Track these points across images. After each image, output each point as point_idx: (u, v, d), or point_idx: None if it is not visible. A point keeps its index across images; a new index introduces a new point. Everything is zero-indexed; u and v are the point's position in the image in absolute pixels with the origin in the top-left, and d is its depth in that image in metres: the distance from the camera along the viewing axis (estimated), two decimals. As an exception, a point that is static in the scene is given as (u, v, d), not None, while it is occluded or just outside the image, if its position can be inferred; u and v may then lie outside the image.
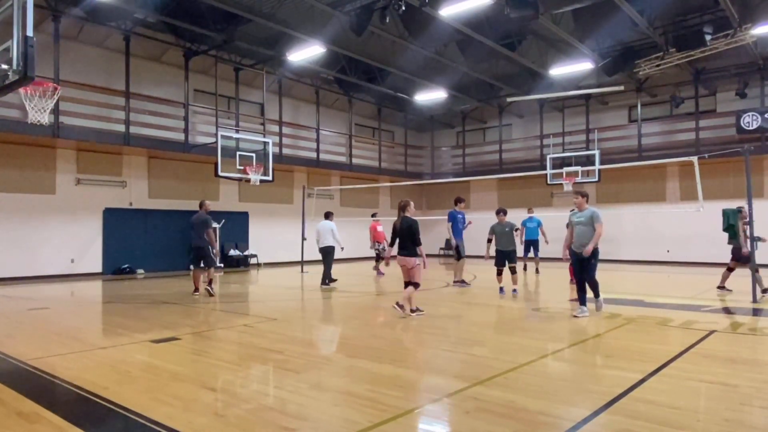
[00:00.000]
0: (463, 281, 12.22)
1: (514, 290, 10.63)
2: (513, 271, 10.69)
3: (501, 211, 10.84)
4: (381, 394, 4.30)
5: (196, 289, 10.67)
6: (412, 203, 8.20)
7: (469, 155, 24.21)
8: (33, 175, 14.44)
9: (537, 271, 15.33)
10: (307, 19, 14.36)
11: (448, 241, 12.81)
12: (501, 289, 10.65)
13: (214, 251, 10.93)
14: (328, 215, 12.74)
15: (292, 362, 5.40)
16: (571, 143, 21.14)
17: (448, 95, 19.93)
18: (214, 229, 11.61)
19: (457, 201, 12.26)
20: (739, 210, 10.30)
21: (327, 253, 12.34)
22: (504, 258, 10.58)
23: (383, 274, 14.86)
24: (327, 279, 12.28)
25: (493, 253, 10.77)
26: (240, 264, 18.36)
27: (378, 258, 15.18)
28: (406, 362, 5.41)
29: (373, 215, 15.70)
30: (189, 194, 17.38)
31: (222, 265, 17.80)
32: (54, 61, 13.23)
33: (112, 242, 15.84)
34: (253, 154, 15.90)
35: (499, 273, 10.65)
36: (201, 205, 10.89)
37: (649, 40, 15.41)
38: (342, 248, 12.62)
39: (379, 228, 15.13)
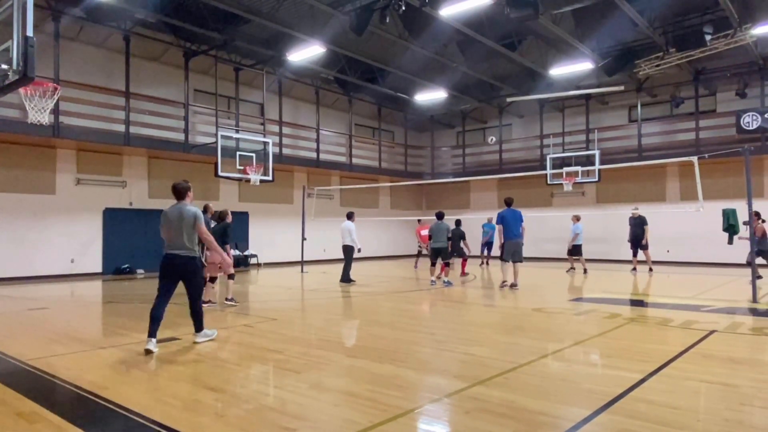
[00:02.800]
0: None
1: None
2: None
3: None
4: (381, 394, 4.30)
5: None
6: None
7: (469, 155, 24.21)
8: (33, 175, 14.44)
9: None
10: (307, 19, 14.36)
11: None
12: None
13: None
14: (349, 216, 13.29)
15: (292, 362, 5.40)
16: (571, 143, 21.15)
17: (448, 95, 19.93)
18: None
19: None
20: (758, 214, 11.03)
21: (344, 251, 13.08)
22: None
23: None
24: (345, 277, 12.95)
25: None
26: (240, 264, 18.35)
27: (419, 255, 17.31)
28: (406, 362, 5.40)
29: (419, 220, 17.94)
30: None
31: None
32: (54, 61, 13.24)
33: (112, 242, 15.83)
34: (253, 154, 15.90)
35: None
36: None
37: (649, 40, 15.40)
38: (359, 249, 13.18)
39: (423, 232, 16.10)
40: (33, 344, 6.36)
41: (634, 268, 15.28)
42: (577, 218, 15.85)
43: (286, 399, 4.24)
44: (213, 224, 11.19)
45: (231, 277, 9.35)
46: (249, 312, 9.01)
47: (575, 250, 15.76)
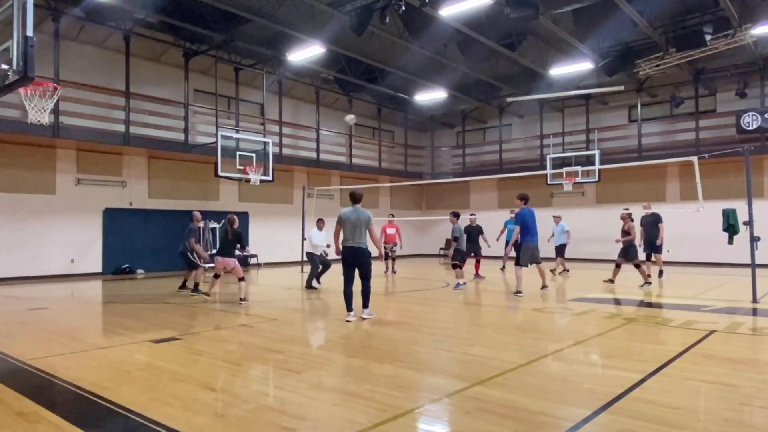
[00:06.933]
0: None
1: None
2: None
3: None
4: (381, 394, 4.30)
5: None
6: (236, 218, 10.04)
7: (469, 155, 24.21)
8: (33, 175, 14.44)
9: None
10: (307, 19, 14.36)
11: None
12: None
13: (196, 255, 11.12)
14: (317, 222, 12.71)
15: (292, 362, 5.40)
16: (571, 143, 21.15)
17: (448, 95, 19.93)
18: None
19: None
20: None
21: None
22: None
23: (395, 272, 15.80)
24: (307, 282, 12.21)
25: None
26: (240, 264, 18.32)
27: (386, 258, 15.70)
28: (406, 362, 5.40)
29: (391, 215, 16.53)
30: (189, 194, 17.39)
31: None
32: (54, 61, 13.24)
33: (112, 242, 15.83)
34: (253, 154, 15.90)
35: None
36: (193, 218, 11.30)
37: (649, 40, 15.40)
38: (322, 252, 12.26)
39: (389, 231, 15.66)
40: (33, 344, 6.36)
41: (649, 275, 12.37)
42: (559, 218, 15.38)
43: (286, 399, 4.24)
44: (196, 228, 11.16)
45: (242, 279, 9.97)
46: (249, 312, 9.01)
47: (561, 250, 15.04)
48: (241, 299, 9.74)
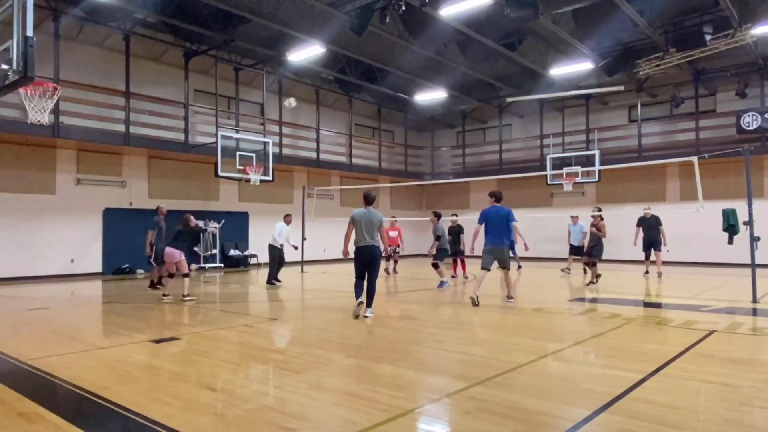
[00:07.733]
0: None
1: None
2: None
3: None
4: (381, 394, 4.30)
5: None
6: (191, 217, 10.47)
7: (469, 155, 24.21)
8: (33, 175, 14.44)
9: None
10: (307, 19, 14.37)
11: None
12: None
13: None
14: (285, 216, 13.31)
15: (292, 362, 5.40)
16: (571, 143, 21.15)
17: (448, 95, 19.93)
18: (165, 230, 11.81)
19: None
20: None
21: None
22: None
23: (396, 272, 15.94)
24: (271, 278, 12.84)
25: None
26: (240, 264, 18.37)
27: (388, 259, 15.68)
28: (406, 362, 5.40)
29: (393, 218, 16.80)
30: (189, 194, 17.39)
31: (222, 264, 17.92)
32: (54, 61, 13.24)
33: (112, 242, 15.83)
34: (253, 154, 15.91)
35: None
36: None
37: (649, 40, 15.41)
38: (295, 247, 13.45)
39: (392, 233, 15.67)
40: (33, 344, 6.36)
41: (647, 272, 14.23)
42: (576, 218, 15.47)
43: (286, 399, 4.24)
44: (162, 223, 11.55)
45: (186, 275, 10.08)
46: (249, 312, 9.01)
47: (578, 250, 14.72)
48: (183, 296, 9.81)
